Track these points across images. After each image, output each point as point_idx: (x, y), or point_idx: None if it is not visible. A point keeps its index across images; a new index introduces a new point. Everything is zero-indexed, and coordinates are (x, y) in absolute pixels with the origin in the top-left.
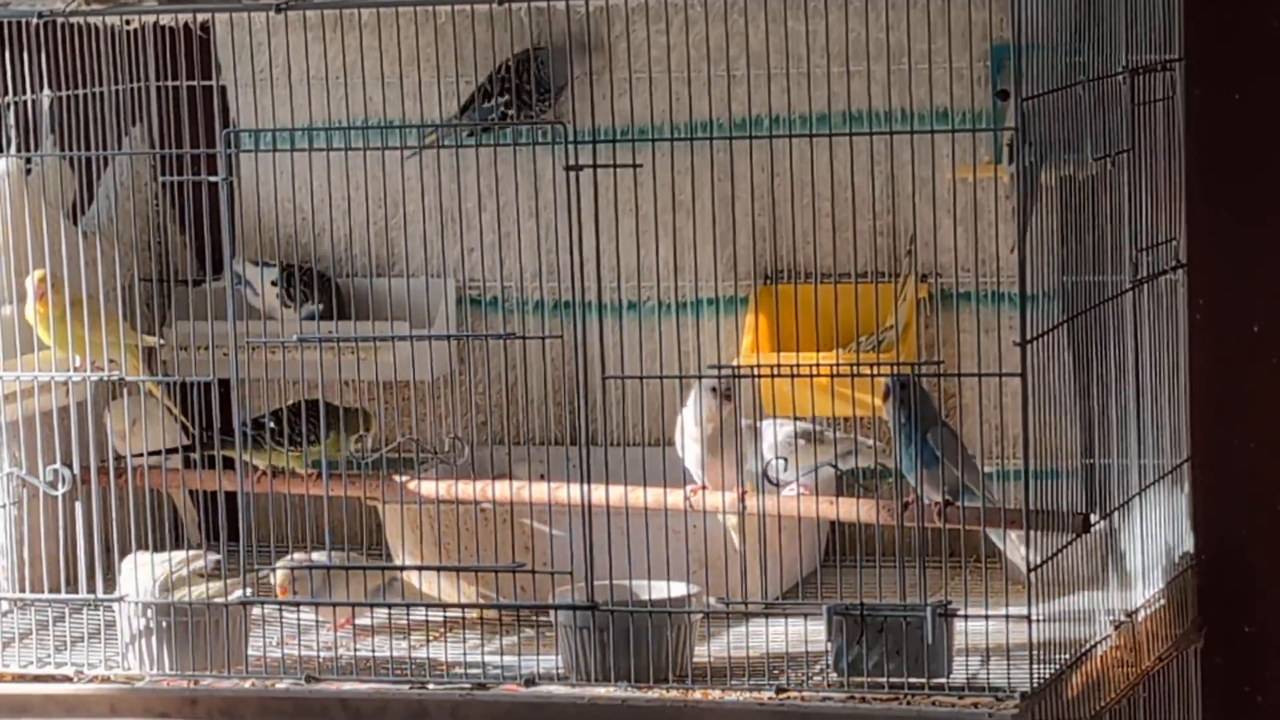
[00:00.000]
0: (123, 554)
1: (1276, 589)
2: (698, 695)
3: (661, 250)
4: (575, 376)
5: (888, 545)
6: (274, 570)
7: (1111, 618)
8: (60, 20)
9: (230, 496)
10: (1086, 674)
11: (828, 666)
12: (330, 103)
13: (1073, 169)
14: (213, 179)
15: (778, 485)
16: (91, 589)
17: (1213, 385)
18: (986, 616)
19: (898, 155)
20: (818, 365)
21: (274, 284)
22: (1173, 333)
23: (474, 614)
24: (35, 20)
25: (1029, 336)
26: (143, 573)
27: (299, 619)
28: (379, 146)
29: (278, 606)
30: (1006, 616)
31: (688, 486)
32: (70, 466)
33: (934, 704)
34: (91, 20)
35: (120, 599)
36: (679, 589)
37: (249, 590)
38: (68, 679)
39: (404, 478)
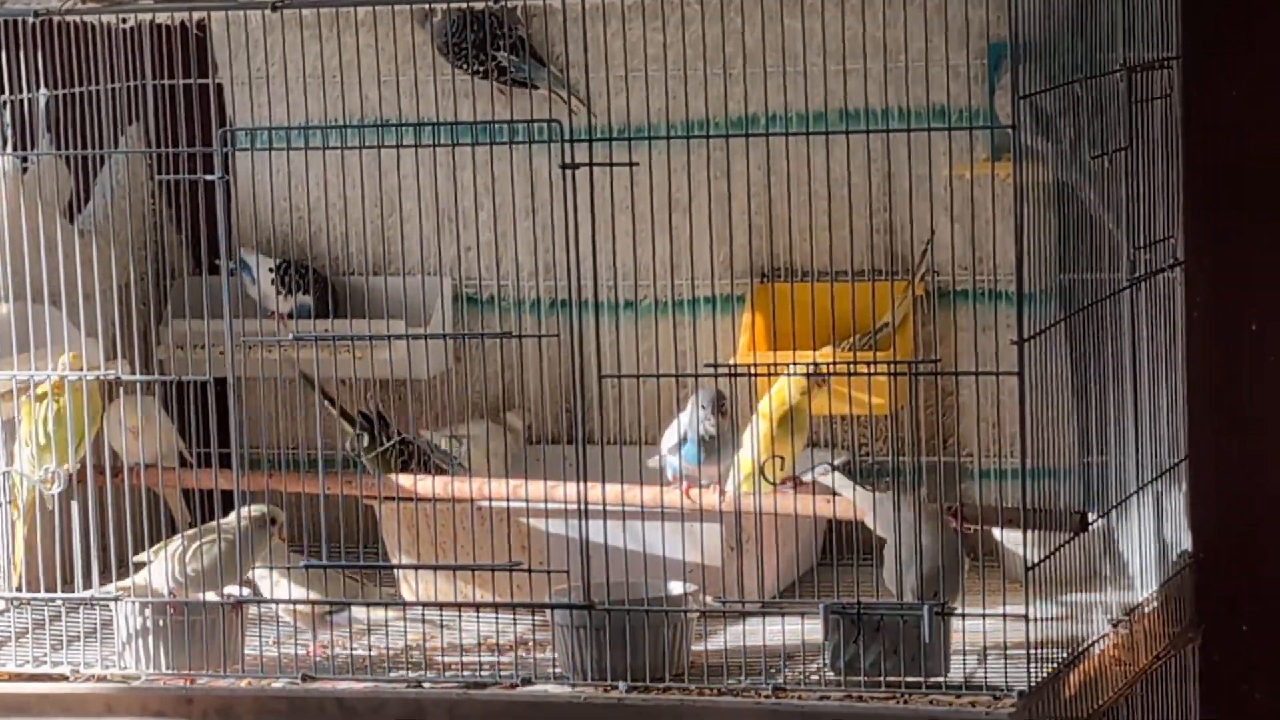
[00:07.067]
0: (120, 553)
1: (1273, 587)
2: (695, 694)
3: (658, 249)
4: (572, 375)
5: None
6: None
7: (1109, 616)
8: (56, 18)
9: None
10: (1084, 673)
11: (825, 665)
12: (327, 101)
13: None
14: (209, 177)
15: (775, 484)
16: (88, 588)
17: (1210, 383)
18: (984, 615)
19: (895, 153)
20: (815, 364)
21: (271, 271)
22: (1170, 331)
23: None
24: (31, 18)
25: (1026, 335)
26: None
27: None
28: (376, 145)
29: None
30: (1004, 615)
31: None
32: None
33: (931, 703)
34: (88, 18)
35: (116, 598)
36: (676, 588)
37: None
38: (64, 678)
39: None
